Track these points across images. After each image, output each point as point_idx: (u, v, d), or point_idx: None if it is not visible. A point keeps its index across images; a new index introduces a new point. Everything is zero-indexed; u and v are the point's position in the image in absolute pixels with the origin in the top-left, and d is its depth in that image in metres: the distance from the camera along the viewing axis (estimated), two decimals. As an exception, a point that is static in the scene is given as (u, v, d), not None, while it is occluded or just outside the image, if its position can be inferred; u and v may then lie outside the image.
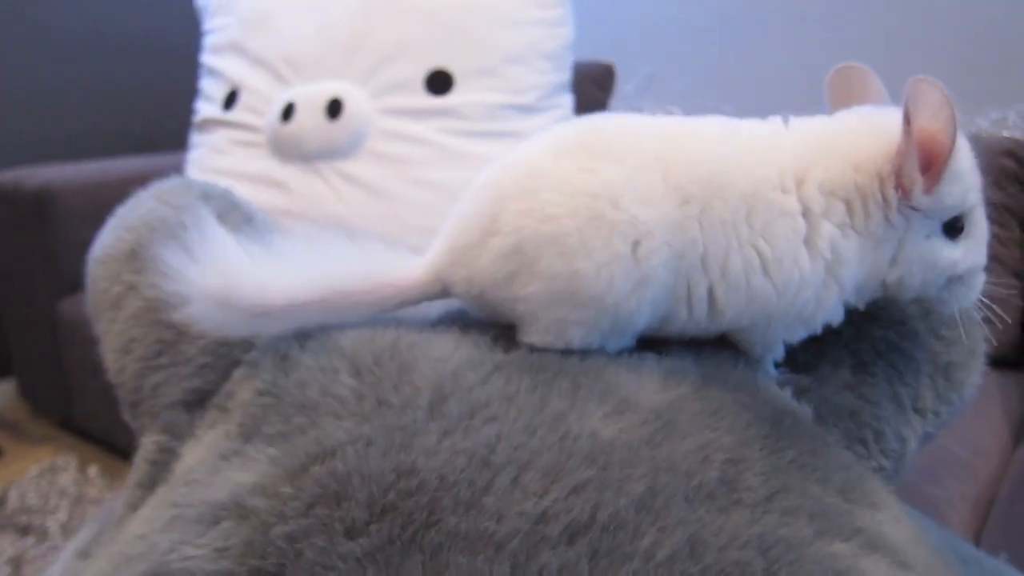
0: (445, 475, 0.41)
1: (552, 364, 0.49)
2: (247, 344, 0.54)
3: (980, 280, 0.51)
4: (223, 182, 1.36)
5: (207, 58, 1.50)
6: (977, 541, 0.88)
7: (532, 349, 0.51)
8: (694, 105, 1.89)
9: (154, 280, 0.55)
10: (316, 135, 1.33)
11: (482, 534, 0.39)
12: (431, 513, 0.40)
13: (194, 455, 0.50)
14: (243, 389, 0.51)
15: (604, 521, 0.40)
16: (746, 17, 1.79)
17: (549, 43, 1.38)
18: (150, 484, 0.52)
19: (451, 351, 0.50)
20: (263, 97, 1.40)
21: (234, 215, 0.59)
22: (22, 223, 1.54)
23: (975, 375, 0.57)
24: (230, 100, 1.44)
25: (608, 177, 0.48)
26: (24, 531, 1.38)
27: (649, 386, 0.48)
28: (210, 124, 1.47)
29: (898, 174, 0.48)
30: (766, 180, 0.48)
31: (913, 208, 0.48)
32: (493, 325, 0.54)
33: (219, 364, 0.54)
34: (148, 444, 0.53)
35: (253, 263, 0.51)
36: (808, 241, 0.48)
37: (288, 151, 1.35)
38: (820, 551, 0.41)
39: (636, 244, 0.48)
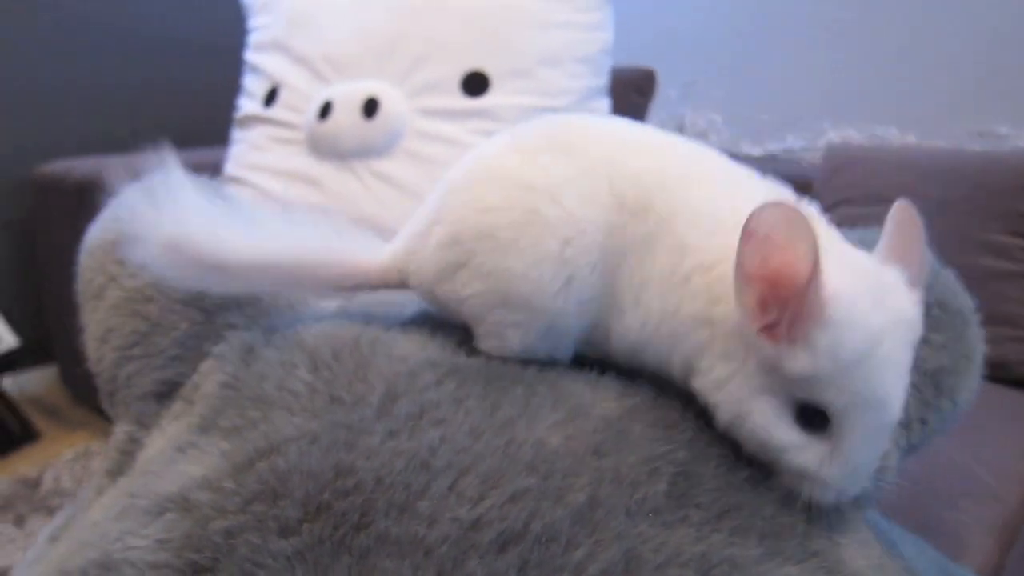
0: (382, 476, 0.41)
1: (510, 372, 0.48)
2: (217, 337, 0.54)
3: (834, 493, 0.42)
4: (260, 178, 1.39)
5: (250, 55, 1.53)
6: (999, 571, 0.84)
7: (492, 356, 0.50)
8: (735, 113, 1.86)
9: (133, 271, 0.56)
10: (352, 134, 1.34)
11: (412, 538, 0.38)
12: (364, 515, 0.39)
13: (156, 446, 0.50)
14: (208, 381, 0.52)
15: (538, 531, 0.38)
16: (787, 26, 1.76)
17: (586, 47, 1.38)
18: (117, 472, 0.52)
19: (413, 351, 0.50)
20: (302, 95, 1.42)
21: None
22: (65, 213, 1.59)
23: (970, 380, 0.53)
24: (270, 97, 1.47)
25: (551, 171, 0.47)
26: (56, 513, 1.42)
27: (604, 395, 0.46)
28: (250, 120, 1.49)
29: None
30: (690, 214, 0.45)
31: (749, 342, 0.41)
32: (462, 328, 0.53)
33: (189, 356, 0.54)
34: (120, 433, 0.54)
35: (215, 218, 0.51)
36: (684, 289, 0.45)
37: (324, 149, 1.37)
38: (767, 573, 0.39)
39: (567, 242, 0.46)
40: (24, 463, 1.56)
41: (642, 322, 0.46)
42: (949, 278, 0.56)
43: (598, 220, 0.47)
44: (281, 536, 0.39)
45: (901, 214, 0.43)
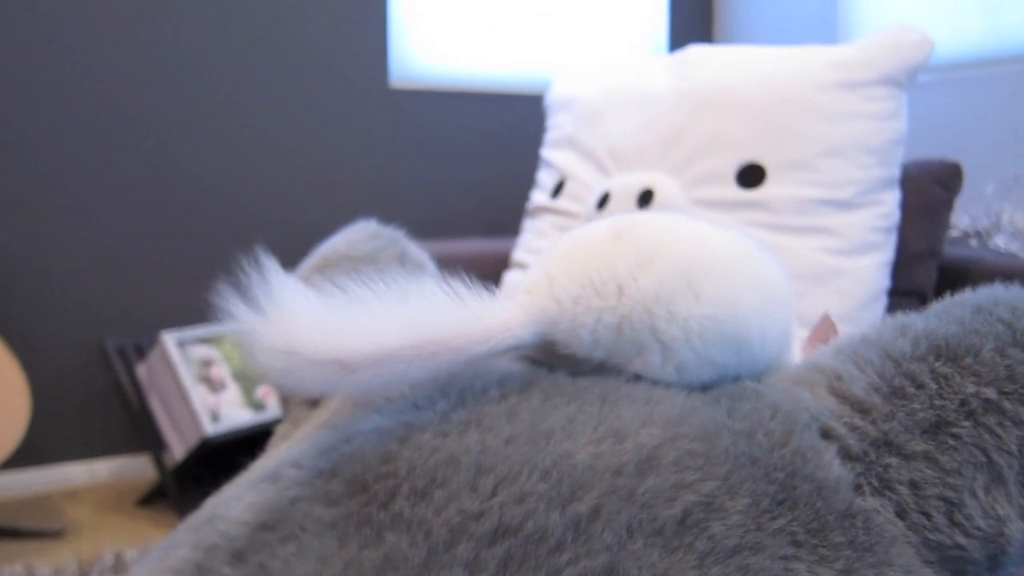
0: (416, 466, 0.44)
1: (579, 389, 0.49)
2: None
3: None
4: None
5: (545, 151, 1.67)
6: None
7: (577, 374, 0.52)
8: (1060, 207, 1.62)
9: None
10: None
11: (420, 520, 0.42)
12: (391, 496, 0.43)
13: (292, 437, 0.59)
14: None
15: (530, 530, 0.40)
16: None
17: (875, 137, 1.31)
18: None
19: (500, 368, 0.53)
20: (586, 186, 1.51)
21: (389, 250, 0.69)
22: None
23: None
24: (558, 189, 1.58)
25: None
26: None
27: (655, 421, 0.46)
28: (539, 211, 1.62)
29: None
30: None
31: None
32: None
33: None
34: (279, 429, 0.64)
35: (325, 312, 0.48)
36: None
37: None
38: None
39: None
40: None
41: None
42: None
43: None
44: (326, 506, 0.45)
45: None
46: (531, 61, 2.33)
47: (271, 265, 0.48)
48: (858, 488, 0.44)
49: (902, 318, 0.50)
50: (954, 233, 1.67)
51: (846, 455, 0.45)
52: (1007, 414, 0.44)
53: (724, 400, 0.49)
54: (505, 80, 2.31)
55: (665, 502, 0.41)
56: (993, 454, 0.44)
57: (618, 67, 1.63)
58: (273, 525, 0.46)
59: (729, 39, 2.52)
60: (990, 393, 0.45)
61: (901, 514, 0.44)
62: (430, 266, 0.72)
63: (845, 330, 0.59)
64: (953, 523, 0.43)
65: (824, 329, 0.62)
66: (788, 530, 0.40)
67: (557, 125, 1.66)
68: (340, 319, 0.47)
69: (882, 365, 0.47)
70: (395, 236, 0.72)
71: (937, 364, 0.46)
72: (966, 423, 0.44)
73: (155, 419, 1.80)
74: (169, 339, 1.76)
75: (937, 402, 0.45)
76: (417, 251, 0.72)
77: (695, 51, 1.45)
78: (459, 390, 0.52)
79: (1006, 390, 0.45)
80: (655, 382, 0.51)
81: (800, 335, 0.62)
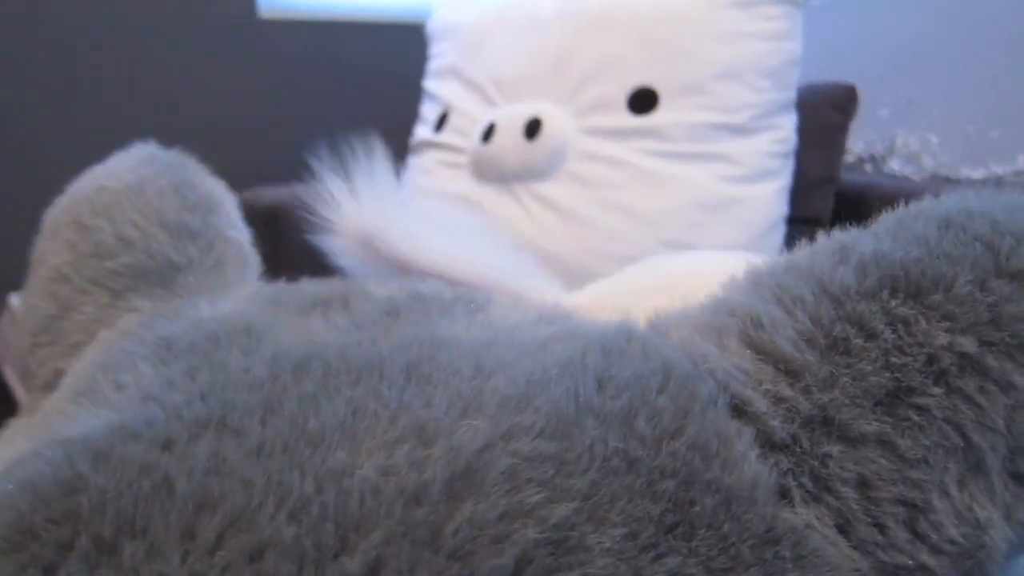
0: (108, 501, 0.28)
1: (374, 359, 0.33)
2: (113, 321, 0.45)
3: None
4: (428, 202, 1.39)
5: (427, 83, 1.57)
6: None
7: (393, 339, 0.37)
8: (956, 132, 1.55)
9: (59, 249, 0.49)
10: (513, 156, 1.31)
11: (97, 596, 0.25)
12: (62, 552, 0.27)
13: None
14: (73, 368, 0.42)
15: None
16: (1019, 38, 1.44)
17: (770, 58, 1.24)
18: None
19: (292, 339, 0.37)
20: (470, 118, 1.42)
21: (162, 180, 0.51)
22: (256, 237, 1.66)
23: None
24: (441, 122, 1.47)
25: None
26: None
27: (482, 407, 0.30)
28: (422, 146, 1.51)
29: None
30: None
31: None
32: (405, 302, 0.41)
33: (88, 343, 0.46)
34: (11, 423, 0.47)
35: (412, 217, 0.51)
36: None
37: (487, 172, 1.34)
38: None
39: None
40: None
41: None
42: None
43: None
44: (-30, 570, 0.28)
45: None
46: (415, -16, 2.13)
47: (382, 160, 0.52)
48: (784, 493, 0.29)
49: (841, 236, 0.34)
50: (849, 159, 1.63)
51: (767, 443, 0.30)
52: (991, 374, 0.30)
53: (593, 359, 0.32)
54: (384, 8, 2.10)
55: (490, 545, 0.25)
56: (972, 432, 0.29)
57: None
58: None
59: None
60: (968, 345, 0.30)
61: (844, 528, 0.29)
62: (225, 203, 0.55)
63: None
64: (916, 535, 0.29)
65: None
66: (686, 570, 0.25)
67: (439, 54, 1.54)
68: (422, 227, 0.51)
69: (817, 305, 0.32)
70: (175, 163, 0.54)
71: (894, 303, 0.31)
72: (936, 389, 0.30)
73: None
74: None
75: (895, 359, 0.30)
76: (209, 182, 0.55)
77: None
78: (212, 370, 0.35)
79: (989, 340, 0.30)
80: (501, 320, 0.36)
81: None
